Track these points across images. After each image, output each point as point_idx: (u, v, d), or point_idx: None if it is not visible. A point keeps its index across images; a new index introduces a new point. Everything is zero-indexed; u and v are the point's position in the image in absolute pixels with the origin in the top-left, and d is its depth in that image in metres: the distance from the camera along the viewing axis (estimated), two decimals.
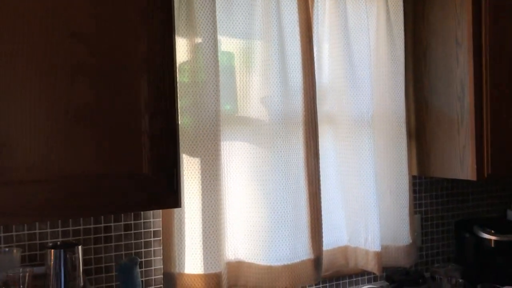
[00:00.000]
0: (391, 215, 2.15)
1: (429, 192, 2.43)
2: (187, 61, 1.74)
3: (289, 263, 1.88)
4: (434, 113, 2.19)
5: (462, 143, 2.06)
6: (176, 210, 1.74)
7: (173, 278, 1.76)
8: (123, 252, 1.76)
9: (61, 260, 1.44)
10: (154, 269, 1.82)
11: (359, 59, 2.06)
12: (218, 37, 1.76)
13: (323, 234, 1.96)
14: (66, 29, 1.32)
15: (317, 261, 1.94)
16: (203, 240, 1.75)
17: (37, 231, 1.63)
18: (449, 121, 2.12)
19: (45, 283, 1.44)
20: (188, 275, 1.76)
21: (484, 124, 2.02)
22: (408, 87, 2.24)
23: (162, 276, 1.81)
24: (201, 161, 1.74)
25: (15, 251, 1.54)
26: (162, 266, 1.81)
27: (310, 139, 1.93)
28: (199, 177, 1.75)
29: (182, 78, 1.73)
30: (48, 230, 1.65)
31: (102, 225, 1.73)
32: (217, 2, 1.77)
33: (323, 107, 2.05)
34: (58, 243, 1.60)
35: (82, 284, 1.49)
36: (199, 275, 1.75)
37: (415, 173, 2.29)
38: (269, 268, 1.86)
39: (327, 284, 2.16)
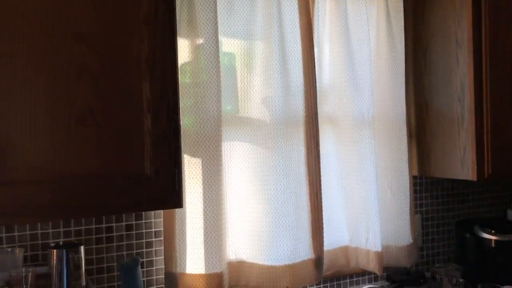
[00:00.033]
0: (392, 215, 2.16)
1: (430, 192, 2.43)
2: (188, 62, 1.75)
3: (290, 263, 1.88)
4: (434, 113, 2.20)
5: (463, 143, 2.07)
6: (177, 210, 1.74)
7: (174, 278, 1.77)
8: (124, 252, 1.77)
9: (63, 260, 1.44)
10: (156, 269, 1.83)
11: (360, 60, 2.07)
12: (219, 38, 1.77)
13: (324, 234, 1.97)
14: (68, 30, 1.32)
15: (318, 261, 1.94)
16: (205, 240, 1.75)
17: (39, 231, 1.64)
18: (449, 121, 2.12)
19: (48, 283, 1.45)
20: (190, 275, 1.76)
21: (484, 124, 2.02)
22: (408, 87, 2.24)
23: (163, 276, 1.81)
24: (203, 162, 1.75)
25: (17, 251, 1.54)
26: (163, 266, 1.81)
27: (311, 139, 1.93)
28: (200, 177, 1.76)
29: (183, 79, 1.73)
30: (50, 230, 1.65)
31: (104, 225, 1.74)
32: (218, 3, 1.78)
33: (324, 108, 2.06)
34: (61, 243, 1.61)
35: (84, 283, 1.49)
36: (200, 275, 1.76)
37: (415, 173, 2.29)
38: (270, 268, 1.86)
39: (328, 284, 2.16)
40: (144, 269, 1.79)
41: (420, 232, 2.37)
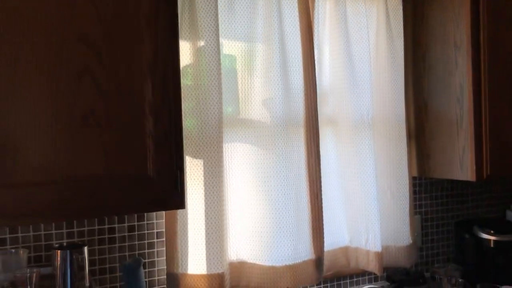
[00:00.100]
0: (391, 216, 2.17)
1: (429, 193, 2.44)
2: (190, 64, 1.76)
3: (290, 263, 1.89)
4: (433, 115, 2.21)
5: (462, 144, 2.08)
6: (179, 211, 1.75)
7: (176, 279, 1.78)
8: (127, 253, 1.78)
9: (67, 261, 1.45)
10: (158, 269, 1.83)
11: (359, 62, 2.08)
12: (220, 40, 1.78)
13: (324, 235, 1.98)
14: (70, 31, 1.32)
15: (318, 261, 1.95)
16: (206, 241, 1.76)
17: (42, 232, 1.64)
18: (448, 123, 2.13)
19: (52, 284, 1.45)
20: (191, 275, 1.77)
21: (483, 125, 2.03)
22: (408, 89, 2.25)
23: (165, 276, 1.82)
24: (204, 163, 1.76)
25: (21, 252, 1.55)
26: (165, 267, 1.82)
27: (311, 140, 1.94)
28: (202, 178, 1.77)
29: (185, 81, 1.74)
30: (53, 231, 1.66)
31: (106, 226, 1.74)
32: (219, 5, 1.79)
33: (324, 109, 2.07)
34: (64, 244, 1.61)
35: (88, 284, 1.50)
36: (202, 276, 1.77)
37: (415, 174, 2.30)
38: (271, 269, 1.87)
39: (328, 284, 2.17)
40: (146, 270, 1.80)
41: (419, 233, 2.38)
